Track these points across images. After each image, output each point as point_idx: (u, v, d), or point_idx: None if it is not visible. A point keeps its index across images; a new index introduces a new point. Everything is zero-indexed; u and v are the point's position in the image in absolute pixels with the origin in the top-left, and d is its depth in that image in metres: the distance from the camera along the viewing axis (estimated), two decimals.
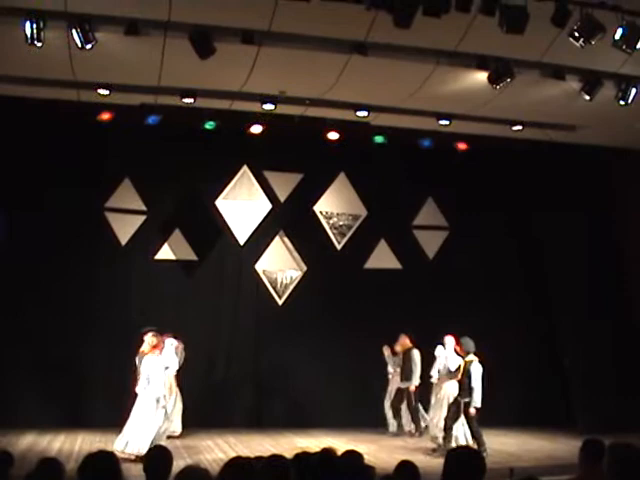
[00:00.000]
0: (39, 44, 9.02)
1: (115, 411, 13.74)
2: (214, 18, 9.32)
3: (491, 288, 15.58)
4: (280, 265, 15.42)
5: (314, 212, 15.57)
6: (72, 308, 13.75)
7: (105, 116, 12.87)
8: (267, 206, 15.24)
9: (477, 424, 11.76)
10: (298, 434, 13.55)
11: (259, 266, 15.29)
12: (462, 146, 14.74)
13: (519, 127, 13.08)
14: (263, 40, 9.71)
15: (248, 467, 4.44)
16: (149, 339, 11.46)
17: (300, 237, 15.49)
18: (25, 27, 8.88)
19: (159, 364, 11.41)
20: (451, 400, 12.29)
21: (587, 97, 10.75)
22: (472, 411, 11.63)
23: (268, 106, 12.19)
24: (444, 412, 12.36)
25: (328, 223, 15.64)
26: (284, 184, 15.42)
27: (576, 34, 8.89)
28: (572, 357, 14.91)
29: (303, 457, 5.01)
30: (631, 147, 13.80)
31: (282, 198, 15.38)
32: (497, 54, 10.20)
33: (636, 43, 9.10)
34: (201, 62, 9.53)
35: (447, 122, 12.89)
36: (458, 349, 12.45)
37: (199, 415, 13.96)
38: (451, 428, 11.90)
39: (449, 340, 12.85)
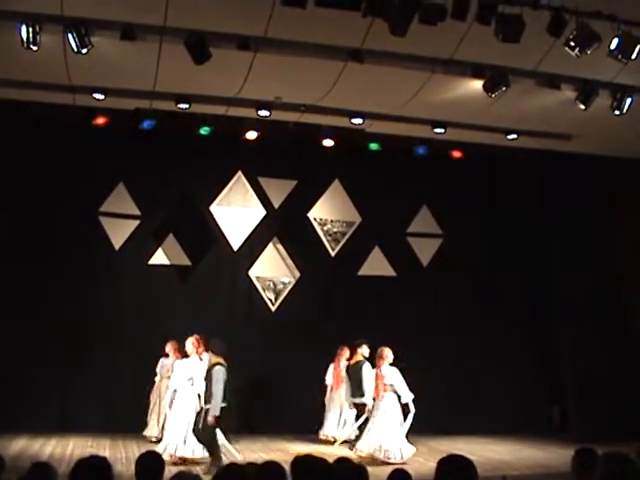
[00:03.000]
0: (35, 48, 9.00)
1: (107, 416, 13.75)
2: (210, 24, 9.31)
3: (486, 295, 15.61)
4: (274, 271, 15.40)
5: (308, 219, 15.56)
6: (65, 313, 13.73)
7: (100, 120, 12.86)
8: (261, 212, 15.24)
9: (214, 434, 10.71)
10: (291, 441, 13.52)
11: (253, 272, 15.27)
12: (457, 154, 14.75)
13: (514, 136, 13.09)
14: (259, 46, 9.71)
15: (241, 473, 4.43)
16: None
17: (294, 243, 15.49)
18: (21, 31, 8.87)
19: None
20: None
21: (582, 106, 10.77)
22: (210, 419, 10.58)
23: (263, 112, 12.19)
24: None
25: (322, 230, 15.62)
26: (278, 190, 15.42)
27: (572, 43, 8.91)
28: (566, 364, 14.90)
29: (304, 460, 4.82)
30: (626, 156, 13.80)
31: (276, 204, 15.38)
32: (493, 63, 10.21)
33: (632, 53, 9.12)
34: (196, 67, 9.51)
35: (442, 130, 12.90)
36: (211, 351, 11.09)
37: None
38: (214, 440, 10.80)
39: (187, 343, 11.51)
